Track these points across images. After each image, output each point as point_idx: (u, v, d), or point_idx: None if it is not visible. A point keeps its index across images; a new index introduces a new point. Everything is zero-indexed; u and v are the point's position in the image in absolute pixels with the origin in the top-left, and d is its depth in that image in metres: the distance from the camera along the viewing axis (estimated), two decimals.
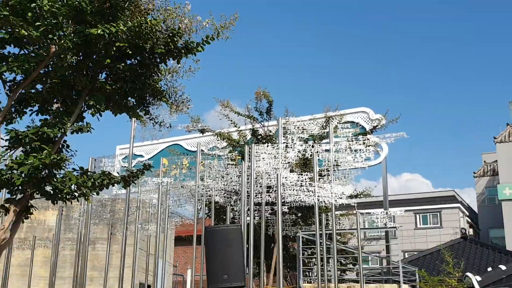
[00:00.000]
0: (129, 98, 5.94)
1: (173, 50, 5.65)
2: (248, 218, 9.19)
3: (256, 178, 9.47)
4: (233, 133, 14.00)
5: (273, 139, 12.69)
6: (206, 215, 13.01)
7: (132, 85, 5.72)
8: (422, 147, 57.50)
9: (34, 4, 4.89)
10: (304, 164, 11.95)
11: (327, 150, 9.97)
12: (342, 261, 12.96)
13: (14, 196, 5.34)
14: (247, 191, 9.31)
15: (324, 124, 12.57)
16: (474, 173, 29.73)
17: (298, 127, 10.14)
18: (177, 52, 5.69)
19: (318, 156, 9.51)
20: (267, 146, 9.64)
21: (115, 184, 5.90)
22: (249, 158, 9.67)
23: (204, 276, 8.76)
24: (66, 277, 13.04)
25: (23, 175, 5.06)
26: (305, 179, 9.05)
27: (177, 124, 10.25)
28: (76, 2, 5.09)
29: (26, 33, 4.87)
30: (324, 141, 12.35)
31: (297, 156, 9.88)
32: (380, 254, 20.17)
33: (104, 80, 5.72)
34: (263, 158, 9.54)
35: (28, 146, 5.25)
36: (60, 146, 5.57)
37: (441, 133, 59.31)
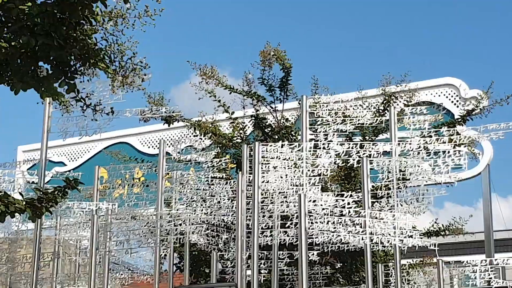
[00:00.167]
0: (41, 63, 5.95)
1: None
2: (249, 273, 9.19)
3: (262, 201, 9.49)
4: (223, 123, 14.04)
5: (292, 133, 12.72)
6: (175, 268, 13.06)
7: (46, 39, 5.73)
8: None
9: None
10: (346, 178, 11.96)
11: (386, 153, 9.96)
12: None
13: None
14: (247, 225, 9.32)
15: (382, 108, 12.57)
16: None
17: (335, 113, 10.15)
18: None
19: (371, 163, 9.51)
20: (282, 145, 9.64)
21: (16, 215, 5.90)
22: (250, 166, 9.68)
23: None
24: None
25: None
26: (349, 204, 9.05)
27: (124, 109, 10.17)
28: None
29: None
30: (381, 137, 12.38)
31: (334, 163, 9.88)
32: None
33: None
34: (275, 167, 9.55)
35: None
36: None
37: None
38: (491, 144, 13.79)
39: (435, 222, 12.95)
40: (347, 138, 11.69)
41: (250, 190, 9.39)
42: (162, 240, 9.67)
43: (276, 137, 12.52)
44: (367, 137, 12.37)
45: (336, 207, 9.02)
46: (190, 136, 13.28)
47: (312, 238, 8.86)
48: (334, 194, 9.43)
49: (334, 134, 10.00)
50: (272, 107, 13.03)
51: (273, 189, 9.51)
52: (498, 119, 10.56)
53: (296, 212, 8.98)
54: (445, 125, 11.67)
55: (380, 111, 12.49)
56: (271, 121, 13.22)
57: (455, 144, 9.91)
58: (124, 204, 11.00)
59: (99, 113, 6.95)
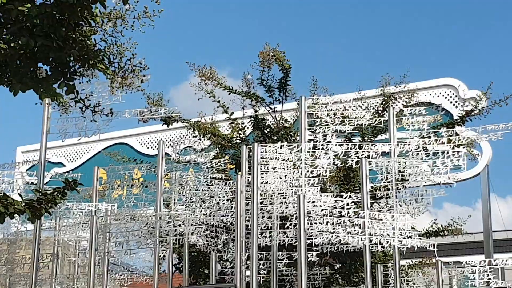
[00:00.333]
0: (40, 64, 5.95)
1: None
2: (248, 273, 9.19)
3: (261, 202, 9.50)
4: (222, 123, 14.04)
5: (291, 134, 12.72)
6: (175, 269, 13.06)
7: (45, 41, 5.73)
8: None
9: None
10: (345, 179, 11.96)
11: (385, 154, 9.96)
12: None
13: None
14: (247, 226, 9.32)
15: (381, 109, 12.58)
16: None
17: (334, 114, 10.15)
18: None
19: (370, 164, 9.51)
20: (281, 146, 9.65)
21: (16, 216, 5.90)
22: (249, 167, 9.68)
23: None
24: None
25: None
26: (348, 205, 9.06)
27: (123, 110, 10.19)
28: None
29: None
30: (380, 137, 12.38)
31: (333, 164, 9.89)
32: None
33: None
34: (274, 168, 9.55)
35: None
36: None
37: None
38: (490, 145, 13.80)
39: (434, 223, 12.96)
40: (346, 139, 11.69)
41: (249, 191, 9.39)
42: (161, 241, 9.67)
43: (275, 137, 12.52)
44: (366, 138, 12.37)
45: (335, 207, 9.02)
46: (189, 137, 13.29)
47: (311, 239, 8.86)
48: (333, 195, 9.43)
49: (333, 134, 9.99)
50: (271, 108, 13.04)
51: (272, 190, 9.51)
52: (497, 120, 10.58)
53: (295, 213, 8.99)
54: (444, 126, 11.67)
55: (379, 111, 12.49)
56: (270, 121, 13.22)
57: (454, 145, 9.91)
58: (123, 205, 10.99)
59: (98, 114, 6.96)
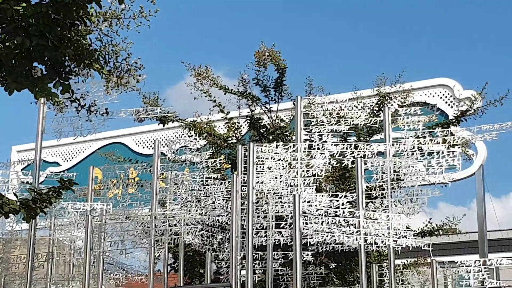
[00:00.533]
0: (35, 64, 5.94)
1: None
2: (244, 273, 9.20)
3: (257, 202, 9.50)
4: (218, 123, 14.04)
5: (287, 133, 12.73)
6: (170, 268, 13.06)
7: (40, 40, 5.73)
8: None
9: None
10: (341, 179, 11.98)
11: (380, 154, 9.98)
12: None
13: None
14: (242, 225, 9.33)
15: (376, 109, 12.59)
16: None
17: (330, 114, 10.17)
18: None
19: (365, 164, 9.53)
20: (276, 146, 9.66)
21: (11, 215, 5.90)
22: (244, 167, 9.69)
23: None
24: None
25: None
26: (343, 205, 9.07)
27: (119, 109, 10.18)
28: None
29: None
30: (376, 137, 12.40)
31: (329, 163, 9.90)
32: None
33: None
34: (270, 168, 9.56)
35: None
36: None
37: None
38: (485, 145, 13.83)
39: (429, 222, 12.99)
40: (342, 139, 11.70)
41: (245, 191, 9.40)
42: (157, 240, 9.67)
43: (271, 137, 12.52)
44: (361, 138, 12.38)
45: (331, 207, 9.01)
46: (185, 137, 13.28)
47: (307, 238, 8.85)
48: (329, 194, 9.43)
49: (328, 134, 10.00)
50: (266, 108, 13.05)
51: (268, 190, 9.51)
52: (492, 120, 10.60)
53: (291, 213, 8.99)
54: (439, 126, 11.70)
55: (375, 111, 12.51)
56: (266, 121, 13.22)
57: (449, 145, 9.93)
58: (118, 205, 10.99)
59: (93, 114, 6.95)
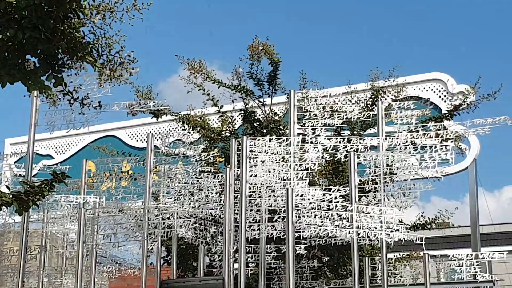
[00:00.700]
0: (28, 56, 5.94)
1: None
2: (237, 266, 9.23)
3: (250, 195, 9.53)
4: (211, 117, 14.05)
5: (281, 127, 12.75)
6: (163, 261, 13.08)
7: (33, 33, 5.72)
8: None
9: None
10: (334, 173, 12.01)
11: (373, 148, 10.01)
12: None
13: None
14: (235, 219, 9.35)
15: (370, 103, 12.62)
16: None
17: (323, 108, 10.19)
18: None
19: (358, 158, 9.56)
20: (270, 140, 9.68)
21: (3, 208, 5.91)
22: (238, 160, 9.71)
23: None
24: None
25: None
26: (336, 199, 9.10)
27: (112, 103, 10.18)
28: None
29: None
30: (369, 131, 12.43)
31: (322, 157, 9.93)
32: None
33: None
34: (263, 161, 9.59)
35: None
36: None
37: None
38: (478, 139, 13.88)
39: (422, 216, 13.04)
40: (335, 133, 11.72)
41: (238, 184, 9.42)
42: (150, 233, 9.69)
43: (265, 131, 12.54)
44: (355, 132, 12.41)
45: (324, 201, 9.05)
46: (178, 130, 13.28)
47: (300, 232, 8.89)
48: (322, 188, 9.46)
49: (322, 128, 10.02)
50: (260, 102, 13.05)
51: (261, 183, 9.54)
52: (485, 114, 10.65)
53: (284, 206, 9.01)
54: (432, 120, 11.73)
55: (369, 105, 12.53)
56: (259, 115, 13.24)
57: (442, 139, 9.96)
58: (111, 198, 10.99)
59: (86, 107, 6.94)
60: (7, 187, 6.59)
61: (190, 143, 12.05)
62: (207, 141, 12.68)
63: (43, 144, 18.68)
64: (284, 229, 8.94)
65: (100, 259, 11.18)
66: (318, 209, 8.96)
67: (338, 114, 10.18)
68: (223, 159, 12.62)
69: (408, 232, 9.37)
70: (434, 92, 14.49)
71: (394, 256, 13.10)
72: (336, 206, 8.97)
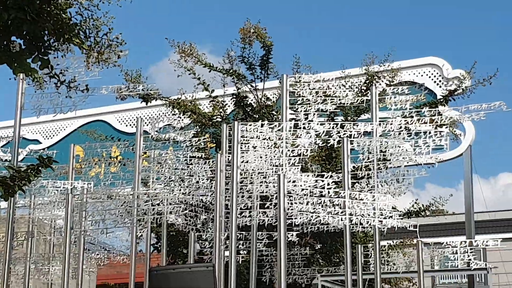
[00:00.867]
0: (13, 38, 5.87)
1: None
2: (227, 254, 9.22)
3: (241, 181, 9.51)
4: (202, 101, 14.01)
5: (273, 112, 12.72)
6: (153, 248, 13.08)
7: (19, 13, 5.66)
8: None
9: None
10: (327, 159, 12.01)
11: (367, 133, 9.99)
12: None
13: None
14: (226, 205, 9.34)
15: (364, 88, 12.61)
16: None
17: (316, 92, 10.14)
18: None
19: (351, 143, 9.54)
20: (261, 125, 9.64)
21: None
22: (229, 146, 9.68)
23: None
24: None
25: None
26: (329, 185, 9.09)
27: (100, 86, 10.10)
28: None
29: None
30: (363, 117, 12.42)
31: (315, 143, 9.90)
32: None
33: None
34: (255, 147, 9.55)
35: None
36: None
37: None
38: (473, 125, 13.90)
39: (415, 203, 13.08)
40: (329, 118, 11.70)
41: (229, 170, 9.38)
42: (139, 220, 9.65)
43: (257, 116, 12.52)
44: (348, 117, 12.40)
45: (316, 187, 9.03)
46: (168, 115, 13.23)
47: (292, 218, 8.87)
48: (314, 174, 9.44)
49: (315, 113, 9.97)
50: (252, 86, 13.01)
51: (253, 169, 9.51)
52: (480, 100, 10.62)
53: (276, 193, 9.00)
54: (427, 106, 11.72)
55: (363, 90, 12.51)
56: (251, 100, 13.20)
57: (437, 125, 9.94)
58: (100, 183, 10.95)
59: (73, 90, 6.90)
60: None
61: (181, 128, 12.02)
62: (198, 126, 12.65)
63: (30, 129, 18.60)
64: (276, 216, 8.93)
65: (88, 246, 11.16)
66: (310, 196, 8.94)
67: (331, 99, 10.14)
68: (214, 144, 12.60)
69: (401, 219, 9.37)
70: (429, 77, 14.50)
71: (387, 243, 13.15)
72: (329, 192, 8.94)
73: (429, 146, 9.56)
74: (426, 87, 14.17)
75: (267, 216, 9.53)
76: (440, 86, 14.13)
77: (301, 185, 9.05)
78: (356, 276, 9.81)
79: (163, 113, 14.43)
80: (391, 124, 9.79)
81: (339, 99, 10.22)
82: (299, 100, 10.09)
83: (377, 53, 13.46)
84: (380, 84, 12.66)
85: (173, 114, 12.85)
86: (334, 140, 9.73)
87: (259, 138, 9.58)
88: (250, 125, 9.67)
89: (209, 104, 13.44)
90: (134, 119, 17.52)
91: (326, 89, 10.29)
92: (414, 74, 14.63)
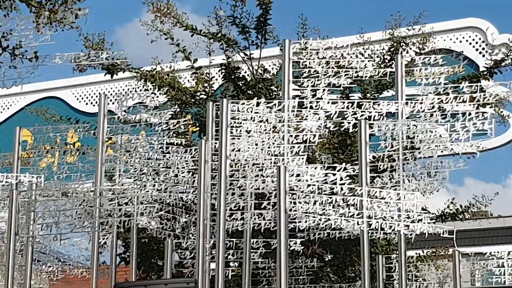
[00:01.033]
0: None
1: None
2: (214, 266, 9.26)
3: (231, 175, 9.54)
4: (183, 73, 14.02)
5: (272, 88, 12.74)
6: (119, 259, 13.11)
7: None
8: None
9: None
10: (340, 147, 12.04)
11: (391, 115, 10.03)
12: None
13: None
14: (212, 205, 9.36)
15: (387, 57, 12.62)
16: None
17: (327, 63, 10.18)
18: None
19: (371, 127, 9.58)
20: (257, 103, 9.67)
21: None
22: (216, 130, 9.71)
23: None
24: None
25: None
26: (342, 180, 9.12)
27: (53, 54, 10.06)
28: None
29: None
30: (385, 94, 12.44)
31: (325, 127, 9.94)
32: None
33: None
34: (249, 131, 9.59)
35: None
36: None
37: None
38: None
39: (452, 203, 13.14)
40: (343, 95, 11.73)
41: (216, 161, 9.42)
42: (102, 223, 9.71)
43: (251, 92, 12.54)
44: (368, 94, 12.43)
45: (326, 183, 9.09)
46: (140, 90, 13.26)
47: (295, 222, 8.94)
48: (324, 166, 9.50)
49: (325, 89, 10.02)
50: (246, 54, 13.02)
51: (246, 160, 9.55)
52: None
53: (275, 189, 9.04)
54: (466, 79, 11.76)
55: (386, 61, 12.54)
56: (245, 72, 13.21)
57: (479, 104, 9.99)
58: (53, 177, 10.99)
59: (19, 59, 6.92)
60: None
61: (155, 107, 12.05)
62: (176, 105, 12.66)
63: None
64: (275, 219, 8.97)
65: (38, 256, 11.18)
66: (318, 193, 8.99)
67: (346, 72, 10.18)
68: (198, 128, 12.63)
69: (434, 223, 9.44)
70: (470, 43, 14.57)
71: (416, 254, 13.18)
72: (342, 189, 9.01)
73: (469, 131, 9.61)
74: (465, 56, 14.24)
75: (263, 219, 9.57)
76: (484, 55, 14.19)
77: (307, 180, 9.11)
78: None
79: (133, 88, 14.48)
80: (421, 103, 9.84)
81: (356, 71, 10.27)
82: (305, 72, 10.12)
83: (404, 13, 13.46)
84: (407, 52, 12.69)
85: (145, 90, 12.88)
86: (349, 123, 9.77)
87: (254, 120, 9.61)
88: (243, 103, 9.70)
89: (191, 77, 13.45)
90: (96, 96, 17.57)
91: (340, 59, 10.33)
92: (450, 39, 14.70)
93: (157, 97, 12.76)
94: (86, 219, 9.75)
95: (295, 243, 9.51)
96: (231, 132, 9.52)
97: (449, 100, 9.84)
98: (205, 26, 13.05)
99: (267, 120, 9.69)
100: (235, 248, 10.27)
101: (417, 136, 9.75)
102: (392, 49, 12.74)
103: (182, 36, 13.15)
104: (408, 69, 10.47)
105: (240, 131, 9.59)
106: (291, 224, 8.81)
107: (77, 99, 18.02)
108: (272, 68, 13.60)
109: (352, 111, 9.78)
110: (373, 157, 9.93)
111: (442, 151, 9.79)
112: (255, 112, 9.67)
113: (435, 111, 9.79)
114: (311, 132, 9.65)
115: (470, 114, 9.65)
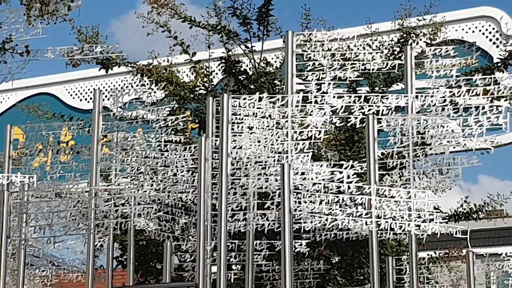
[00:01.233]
0: None
1: None
2: (215, 269, 9.28)
3: (233, 173, 9.56)
4: (181, 68, 14.03)
5: (275, 82, 12.75)
6: (116, 263, 13.13)
7: None
8: None
9: None
10: (347, 143, 12.05)
11: (400, 109, 10.04)
12: None
13: None
14: (213, 205, 9.39)
15: (396, 49, 12.62)
16: None
17: (333, 55, 10.19)
18: None
19: (379, 123, 9.59)
20: (260, 98, 9.68)
21: None
22: (217, 127, 9.72)
23: None
24: None
25: None
26: (349, 178, 9.14)
27: (45, 48, 10.09)
28: None
29: None
30: (394, 87, 12.45)
31: (330, 122, 9.96)
32: None
33: None
34: (251, 128, 9.60)
35: None
36: None
37: None
38: None
39: (465, 201, 13.15)
40: (349, 89, 11.74)
41: (217, 159, 9.43)
42: (98, 225, 9.73)
43: (253, 87, 12.56)
44: (376, 88, 12.44)
45: (333, 181, 9.09)
46: (136, 86, 13.27)
47: (300, 223, 8.94)
48: (330, 164, 9.49)
49: (330, 83, 10.03)
50: (247, 47, 13.03)
51: (248, 158, 9.56)
52: None
53: (279, 189, 9.05)
54: (479, 71, 11.75)
55: (395, 52, 12.54)
56: (246, 65, 13.23)
57: (493, 97, 9.99)
58: (46, 177, 11.01)
59: (9, 53, 6.95)
60: None
61: (153, 103, 12.05)
62: (175, 101, 12.68)
63: None
64: (279, 219, 8.99)
65: (31, 260, 11.20)
66: (325, 192, 9.00)
67: (352, 64, 10.19)
68: (197, 125, 12.65)
69: (446, 223, 9.44)
70: (483, 33, 14.55)
71: (428, 255, 13.21)
72: (349, 188, 9.00)
73: (482, 126, 9.62)
74: (478, 47, 14.22)
75: (267, 219, 9.59)
76: (498, 46, 14.19)
77: (312, 178, 9.11)
78: None
79: (129, 83, 14.50)
80: (432, 96, 9.84)
81: (363, 64, 10.28)
82: (309, 65, 10.13)
83: (414, 2, 13.46)
84: (418, 43, 12.69)
85: (142, 85, 12.89)
86: (356, 118, 9.78)
87: (256, 116, 9.62)
88: (245, 98, 9.70)
89: (190, 71, 13.47)
90: (91, 92, 17.58)
91: (346, 51, 10.34)
92: (462, 29, 14.70)
93: (155, 92, 12.76)
94: (81, 220, 9.76)
95: (301, 244, 9.54)
96: (232, 129, 9.53)
97: (462, 93, 9.85)
98: (204, 18, 13.08)
99: (270, 115, 9.69)
100: (237, 250, 10.28)
101: (428, 131, 9.75)
102: (401, 40, 12.76)
103: (180, 28, 13.19)
104: (418, 61, 10.47)
105: (242, 127, 9.60)
106: (296, 225, 8.82)
107: (71, 95, 18.03)
108: (275, 61, 13.59)
109: (359, 106, 9.79)
110: (382, 153, 9.93)
111: (454, 147, 9.78)
112: (257, 108, 9.67)
113: (446, 105, 9.79)
114: (316, 128, 9.65)
115: (483, 107, 9.66)
